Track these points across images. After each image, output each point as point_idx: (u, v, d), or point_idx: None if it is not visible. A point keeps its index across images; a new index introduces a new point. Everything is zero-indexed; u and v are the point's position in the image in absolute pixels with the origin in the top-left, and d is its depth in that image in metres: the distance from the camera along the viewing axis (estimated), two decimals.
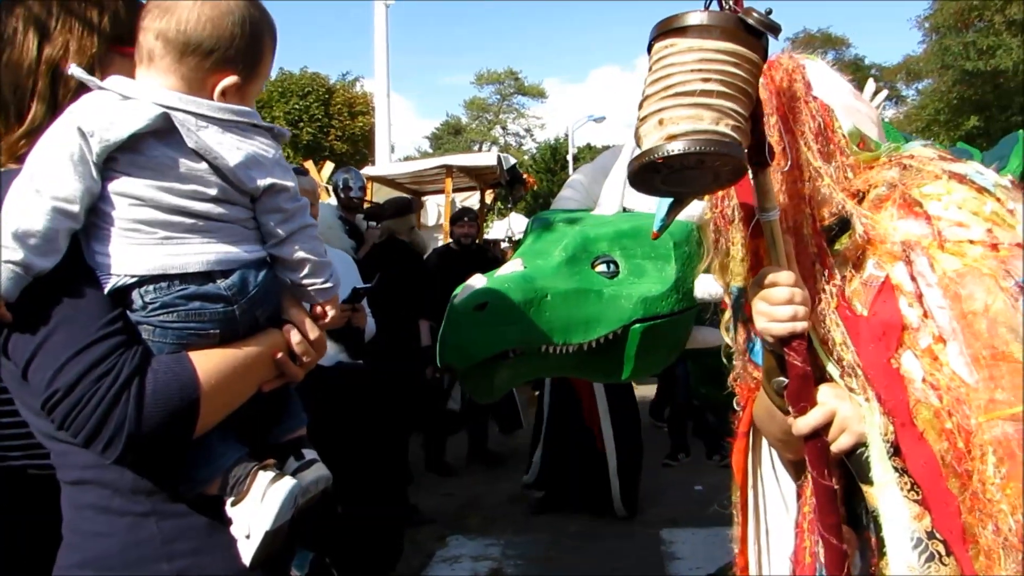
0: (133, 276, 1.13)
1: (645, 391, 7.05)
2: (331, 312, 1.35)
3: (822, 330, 1.26)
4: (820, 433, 1.23)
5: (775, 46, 1.19)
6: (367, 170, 8.43)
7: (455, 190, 9.08)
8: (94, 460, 1.14)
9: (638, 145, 1.13)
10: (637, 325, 1.97)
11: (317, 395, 2.85)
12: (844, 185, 1.31)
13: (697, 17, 1.08)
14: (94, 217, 1.12)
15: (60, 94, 1.21)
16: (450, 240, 6.15)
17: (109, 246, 1.12)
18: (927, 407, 1.15)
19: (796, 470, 1.41)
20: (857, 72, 41.95)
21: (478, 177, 8.12)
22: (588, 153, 41.95)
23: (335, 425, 2.84)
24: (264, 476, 1.20)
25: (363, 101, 26.45)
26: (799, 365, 1.22)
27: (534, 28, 76.06)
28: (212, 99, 1.20)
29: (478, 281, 1.85)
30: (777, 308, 1.21)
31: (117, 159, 1.12)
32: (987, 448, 1.09)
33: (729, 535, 1.53)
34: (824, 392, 1.24)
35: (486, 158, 7.59)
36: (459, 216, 5.99)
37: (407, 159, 34.51)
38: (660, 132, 1.07)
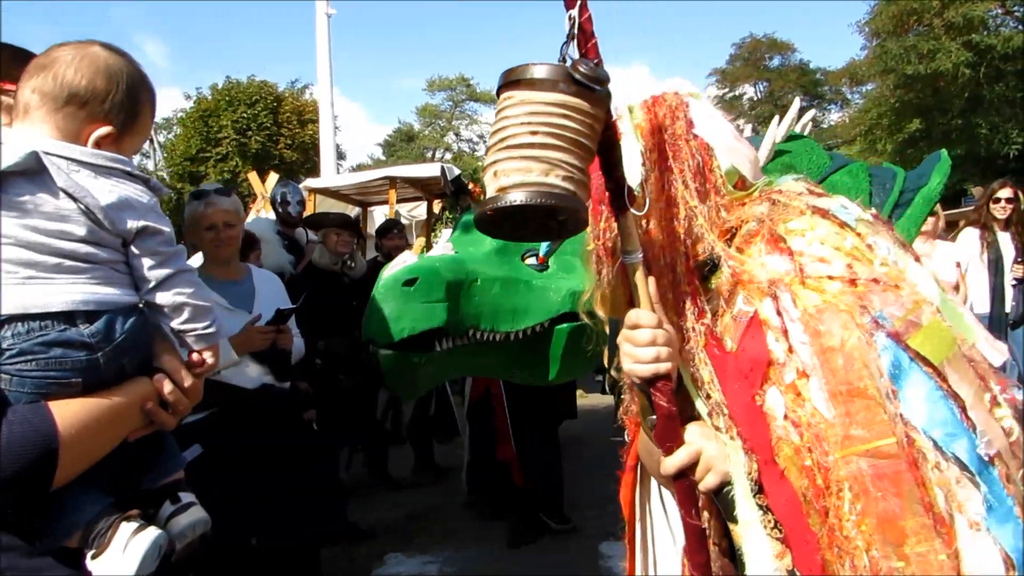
0: None
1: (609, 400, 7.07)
2: (209, 360, 1.34)
3: (692, 368, 1.27)
4: (687, 472, 1.24)
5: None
6: (311, 182, 8.34)
7: (402, 200, 9.05)
8: None
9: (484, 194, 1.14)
10: (563, 325, 1.97)
11: (240, 419, 2.83)
12: (718, 223, 1.32)
13: (530, 71, 1.09)
14: None
15: None
16: (377, 254, 6.10)
17: None
18: (788, 444, 1.16)
19: None
20: (803, 76, 42.85)
21: (424, 188, 8.09)
22: None
23: (257, 450, 2.81)
24: (127, 527, 1.19)
25: (312, 109, 26.17)
26: (664, 405, 1.23)
27: (487, 30, 76.09)
28: (87, 146, 1.20)
29: (409, 257, 1.83)
30: (640, 350, 1.22)
31: None
32: (843, 484, 1.10)
33: None
34: (691, 431, 1.25)
35: (429, 169, 7.55)
36: (387, 228, 5.94)
37: (359, 167, 34.31)
38: (495, 183, 1.08)
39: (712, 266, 1.32)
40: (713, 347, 1.26)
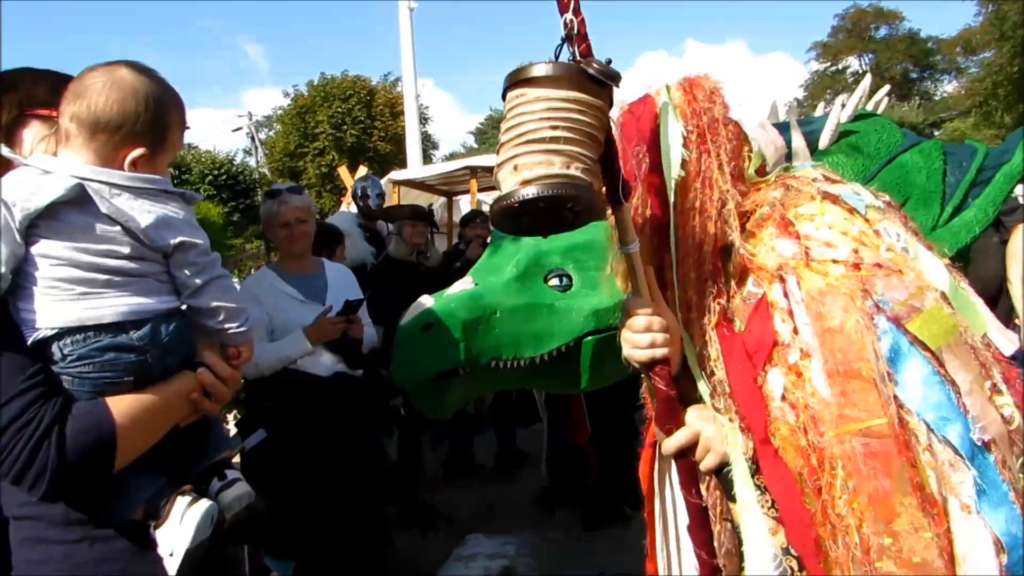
0: (53, 328, 1.26)
1: None
2: (245, 353, 1.48)
3: (701, 346, 1.32)
4: (687, 453, 1.30)
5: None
6: (395, 174, 8.55)
7: (486, 189, 9.17)
8: (27, 498, 1.27)
9: (498, 189, 1.20)
10: (589, 338, 2.00)
11: (314, 405, 2.99)
12: (738, 207, 1.35)
13: (544, 68, 1.15)
14: (18, 278, 1.26)
15: None
16: (457, 241, 6.23)
17: (32, 303, 1.25)
18: (784, 424, 1.20)
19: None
20: (912, 46, 40.76)
21: None
22: None
23: (330, 434, 2.96)
24: (182, 500, 1.35)
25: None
26: (663, 388, 1.29)
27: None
28: (123, 170, 1.32)
29: (426, 300, 1.91)
30: (637, 336, 1.28)
31: (38, 225, 1.25)
32: (836, 462, 1.13)
33: None
34: (691, 414, 1.31)
35: None
36: (470, 218, 6.04)
37: (451, 156, 34.73)
38: (515, 177, 1.14)
39: (730, 249, 1.36)
40: (724, 327, 1.31)
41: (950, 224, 2.74)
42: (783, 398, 1.21)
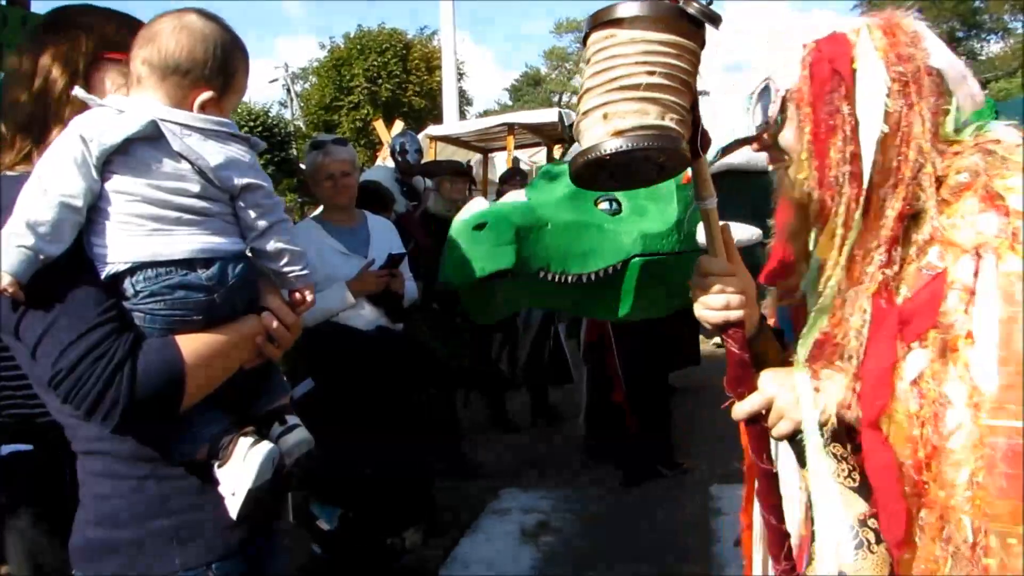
0: (126, 263, 1.28)
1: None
2: (309, 297, 1.51)
3: (848, 310, 1.22)
4: (759, 419, 1.27)
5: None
6: (431, 130, 8.53)
7: (523, 146, 9.12)
8: (98, 433, 1.31)
9: (578, 140, 1.15)
10: (636, 259, 1.98)
11: (356, 357, 3.03)
12: (934, 169, 1.20)
13: (638, 7, 1.07)
14: (93, 214, 1.27)
15: (67, 112, 1.37)
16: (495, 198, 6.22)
17: (106, 238, 1.28)
18: (903, 409, 1.12)
19: None
20: (960, 5, 39.56)
21: (542, 133, 8.12)
22: None
23: (372, 386, 3.00)
24: (245, 441, 1.37)
25: (440, 56, 26.53)
26: (736, 352, 1.26)
27: None
28: (193, 111, 1.34)
29: (480, 204, 1.90)
30: (710, 297, 1.25)
31: (113, 161, 1.27)
32: (969, 453, 1.06)
33: None
34: (765, 378, 1.27)
35: (547, 115, 7.58)
36: (510, 176, 6.02)
37: (485, 113, 34.49)
38: (605, 127, 1.07)
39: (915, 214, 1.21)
40: (881, 298, 1.20)
41: None
42: (914, 383, 1.12)
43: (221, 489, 1.36)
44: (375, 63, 27.29)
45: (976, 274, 1.11)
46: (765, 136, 1.28)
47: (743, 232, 2.05)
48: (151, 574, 1.34)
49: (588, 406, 5.24)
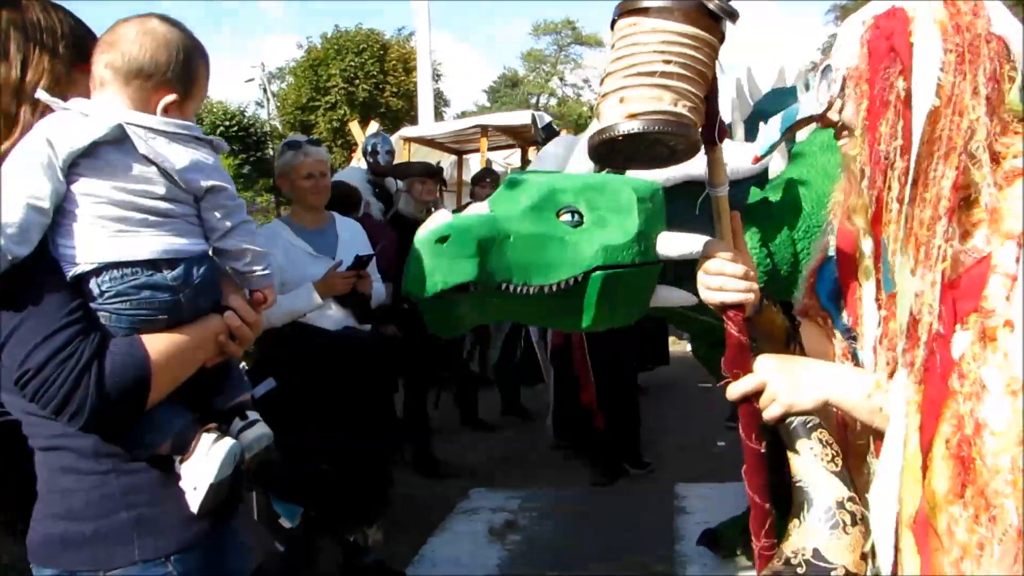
0: (91, 264, 1.32)
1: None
2: (270, 296, 1.56)
3: (911, 286, 1.21)
4: (752, 400, 1.33)
5: None
6: (406, 131, 8.55)
7: (496, 148, 9.16)
8: (61, 429, 1.34)
9: (598, 120, 1.21)
10: (597, 272, 2.02)
11: (322, 357, 3.07)
12: (991, 144, 1.16)
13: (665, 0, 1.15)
14: (59, 216, 1.31)
15: (33, 114, 1.39)
16: (470, 200, 6.26)
17: (72, 239, 1.31)
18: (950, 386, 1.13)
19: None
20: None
21: (516, 135, 8.16)
22: None
23: (336, 386, 3.04)
24: (208, 437, 1.41)
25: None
26: (734, 334, 1.33)
27: None
28: (156, 115, 1.38)
29: (443, 216, 1.92)
30: (709, 278, 1.33)
31: (79, 164, 1.30)
32: (1011, 440, 1.06)
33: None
34: (762, 361, 1.32)
35: (520, 117, 7.62)
36: (480, 177, 6.06)
37: (463, 115, 34.48)
38: (621, 109, 1.16)
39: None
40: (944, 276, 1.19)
41: None
42: (956, 362, 1.12)
43: (183, 483, 1.40)
44: (352, 63, 27.22)
45: (1019, 261, 1.10)
46: (828, 114, 1.31)
47: (674, 295, 2.17)
48: (111, 566, 1.37)
49: (555, 407, 5.31)
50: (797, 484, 1.26)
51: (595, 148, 1.21)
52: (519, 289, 1.96)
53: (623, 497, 4.53)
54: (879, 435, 1.27)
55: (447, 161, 9.53)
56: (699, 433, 5.64)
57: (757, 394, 1.32)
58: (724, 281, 1.32)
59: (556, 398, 5.30)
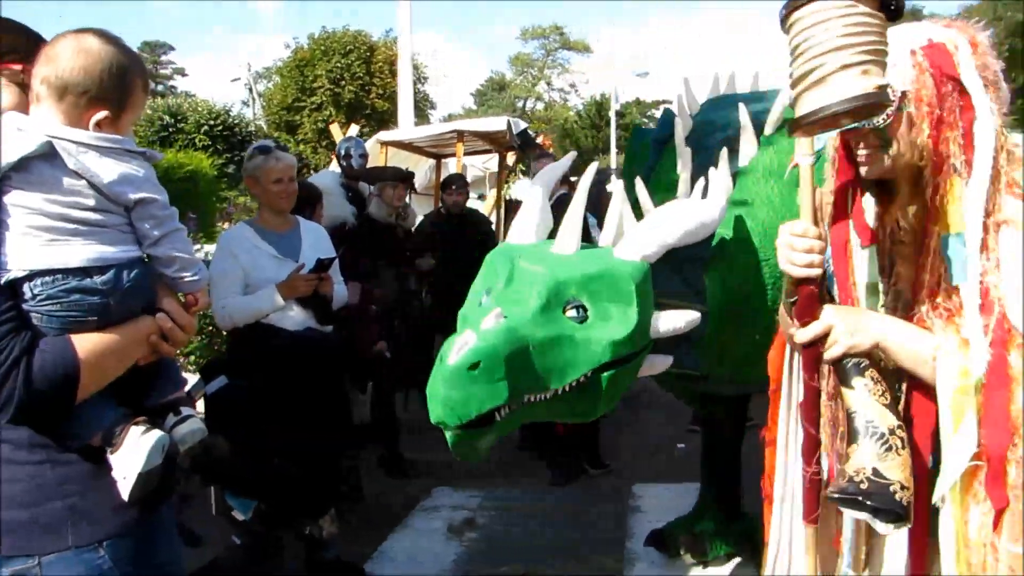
0: (24, 270, 1.41)
1: None
2: (201, 301, 1.66)
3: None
4: (816, 343, 1.53)
5: None
6: (383, 135, 8.63)
7: (474, 152, 9.26)
8: None
9: (826, 86, 1.33)
10: (605, 372, 2.07)
11: (283, 357, 3.16)
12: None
13: None
14: None
15: None
16: (439, 206, 6.38)
17: (5, 247, 1.41)
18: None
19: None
20: (912, 18, 40.53)
21: (493, 141, 8.26)
22: (636, 108, 41.47)
23: (296, 385, 3.14)
24: (136, 430, 1.51)
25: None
26: (810, 288, 1.53)
27: None
28: (89, 130, 1.47)
29: (470, 338, 1.89)
30: (799, 256, 1.51)
31: (12, 177, 1.40)
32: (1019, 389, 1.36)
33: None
34: (828, 310, 1.53)
35: (496, 123, 7.72)
36: (448, 183, 6.15)
37: (450, 117, 34.54)
38: (868, 81, 1.31)
39: None
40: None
41: None
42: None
43: (114, 473, 1.50)
44: (339, 64, 27.23)
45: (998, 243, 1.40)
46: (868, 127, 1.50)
47: (656, 363, 2.29)
48: (45, 551, 1.47)
49: None
50: (852, 414, 1.47)
51: (835, 112, 1.33)
52: (539, 397, 2.00)
53: (581, 497, 4.64)
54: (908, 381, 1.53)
55: (425, 165, 9.63)
56: (661, 436, 5.75)
57: (823, 338, 1.52)
58: (811, 259, 1.50)
59: None
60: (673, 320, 2.24)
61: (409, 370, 5.44)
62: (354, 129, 9.43)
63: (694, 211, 2.35)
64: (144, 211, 1.52)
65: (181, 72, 36.18)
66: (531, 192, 2.46)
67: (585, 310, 2.08)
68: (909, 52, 1.45)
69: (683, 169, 2.74)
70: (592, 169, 2.42)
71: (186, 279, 1.61)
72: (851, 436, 1.46)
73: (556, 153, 12.10)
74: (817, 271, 1.51)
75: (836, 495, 1.44)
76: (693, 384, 2.31)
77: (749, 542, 3.48)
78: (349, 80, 27.38)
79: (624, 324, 2.08)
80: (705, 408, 3.62)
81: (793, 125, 1.41)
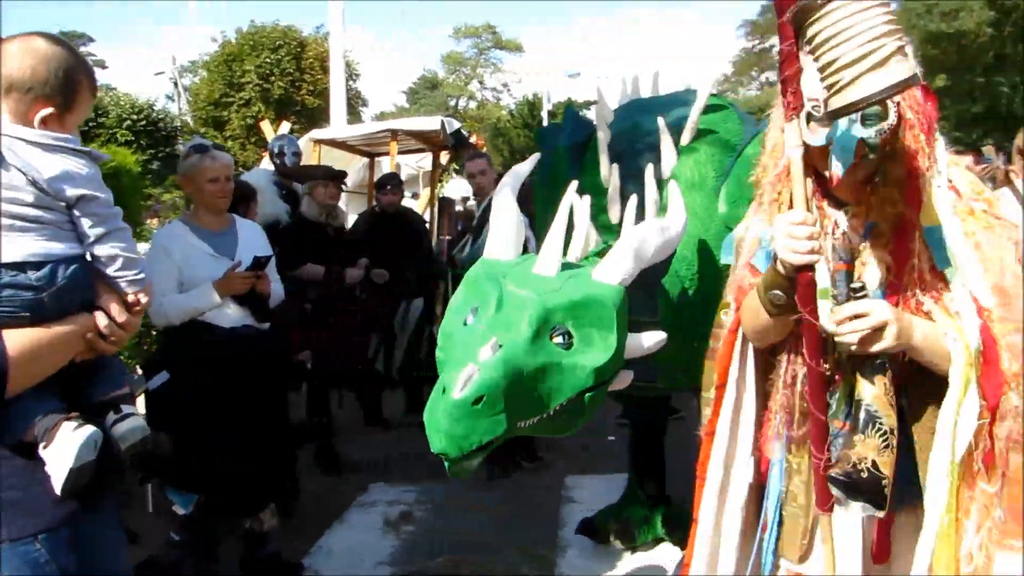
0: None
1: None
2: (143, 299, 1.67)
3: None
4: (814, 328, 1.61)
5: None
6: (315, 133, 8.58)
7: (408, 151, 9.27)
8: None
9: (879, 70, 1.43)
10: (588, 394, 2.14)
11: (219, 353, 3.19)
12: None
13: None
14: None
15: None
16: (374, 205, 6.42)
17: None
18: None
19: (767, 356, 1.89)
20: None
21: (426, 140, 8.29)
22: (568, 107, 41.79)
23: (232, 380, 3.17)
24: (68, 425, 1.53)
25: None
26: (809, 275, 1.60)
27: None
28: (34, 127, 1.50)
29: (472, 371, 1.93)
30: (801, 243, 1.57)
31: None
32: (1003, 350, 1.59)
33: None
34: (882, 306, 1.59)
35: (429, 123, 7.74)
36: (383, 183, 6.19)
37: (381, 115, 34.30)
38: (908, 64, 1.45)
39: None
40: None
41: None
42: None
43: (47, 468, 1.52)
44: (268, 60, 26.78)
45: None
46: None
47: (622, 379, 2.33)
48: None
49: None
50: (865, 406, 1.60)
51: (897, 85, 1.45)
52: (529, 423, 2.06)
53: (515, 489, 4.75)
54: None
55: (359, 163, 9.60)
56: (591, 430, 5.89)
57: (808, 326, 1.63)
58: (813, 245, 1.56)
59: None
60: (646, 341, 2.33)
61: (344, 370, 5.48)
62: (285, 127, 9.35)
63: (664, 231, 2.42)
64: (85, 208, 1.55)
65: (101, 65, 34.94)
66: (501, 202, 2.48)
67: (570, 336, 2.14)
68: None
69: (611, 184, 2.84)
70: (572, 190, 2.48)
71: (128, 278, 1.63)
72: (857, 425, 1.61)
73: (489, 152, 12.17)
74: (818, 257, 1.58)
75: (841, 478, 1.59)
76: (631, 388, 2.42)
77: (675, 527, 3.65)
78: (279, 76, 26.95)
79: (605, 350, 2.15)
80: (631, 405, 3.80)
81: (849, 106, 1.49)
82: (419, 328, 6.27)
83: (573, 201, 2.46)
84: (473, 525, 4.19)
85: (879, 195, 1.67)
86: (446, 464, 2.01)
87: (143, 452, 1.69)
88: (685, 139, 3.00)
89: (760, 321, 1.77)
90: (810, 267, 1.59)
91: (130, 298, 1.66)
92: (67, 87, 1.54)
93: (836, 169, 1.65)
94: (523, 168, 2.81)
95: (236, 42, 28.37)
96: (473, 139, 9.15)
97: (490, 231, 2.47)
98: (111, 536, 1.72)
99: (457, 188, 11.27)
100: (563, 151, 3.30)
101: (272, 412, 3.37)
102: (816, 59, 1.52)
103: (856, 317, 1.57)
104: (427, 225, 7.32)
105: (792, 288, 1.64)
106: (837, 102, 1.49)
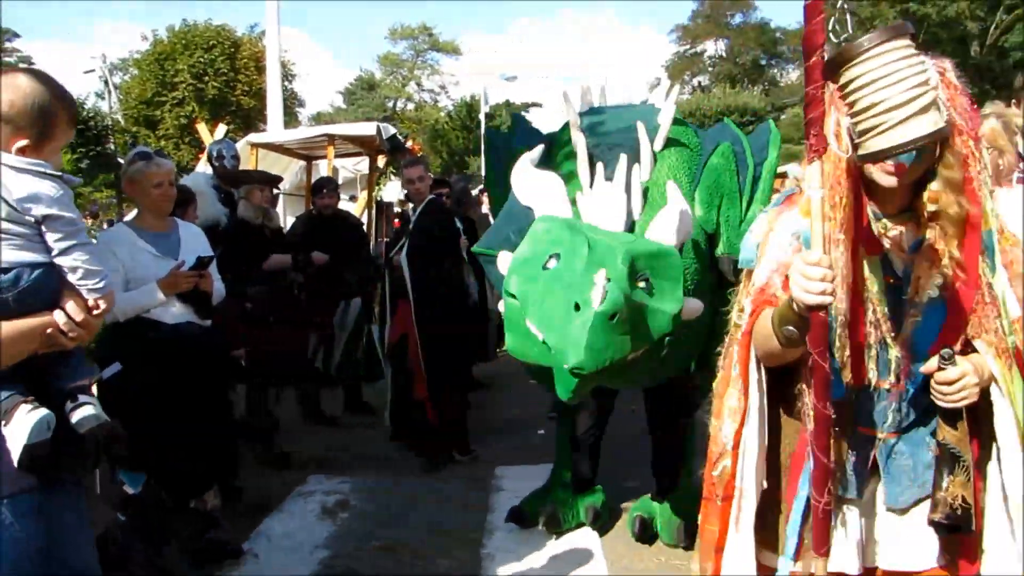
0: None
1: None
2: (103, 305, 1.90)
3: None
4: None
5: None
6: (252, 137, 8.69)
7: (346, 155, 9.43)
8: None
9: (919, 118, 1.48)
10: (666, 339, 2.29)
11: (163, 347, 3.38)
12: None
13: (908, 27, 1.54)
14: None
15: None
16: (311, 208, 6.61)
17: None
18: None
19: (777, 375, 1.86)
20: (762, 35, 43.04)
21: (363, 145, 8.48)
22: (505, 110, 42.13)
23: (176, 371, 3.38)
24: (24, 407, 1.76)
25: None
26: (822, 316, 1.58)
27: None
28: (11, 153, 1.73)
29: (607, 285, 2.03)
30: (815, 284, 1.52)
31: None
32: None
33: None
34: (965, 364, 1.68)
35: (366, 128, 7.94)
36: (319, 187, 6.38)
37: (318, 115, 34.07)
38: (941, 116, 1.52)
39: None
40: None
41: (748, 217, 3.23)
42: None
43: (7, 443, 1.74)
44: (201, 60, 26.50)
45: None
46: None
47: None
48: None
49: (392, 402, 5.71)
50: (955, 453, 1.70)
51: (929, 138, 1.51)
52: (634, 356, 2.17)
53: (449, 480, 5.00)
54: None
55: (296, 166, 9.73)
56: (523, 422, 6.19)
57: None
58: (824, 287, 1.51)
59: (393, 394, 5.70)
60: (694, 305, 2.47)
61: (283, 368, 5.65)
62: (222, 129, 9.42)
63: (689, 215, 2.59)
64: (52, 225, 1.78)
65: (27, 61, 33.98)
66: (533, 174, 2.67)
67: (650, 284, 2.26)
68: (938, 73, 1.60)
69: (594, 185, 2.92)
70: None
71: (89, 286, 1.85)
72: (949, 466, 1.70)
73: (428, 153, 12.31)
74: (831, 299, 1.53)
75: (944, 522, 1.69)
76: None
77: (596, 516, 3.97)
78: (213, 76, 26.69)
79: (676, 301, 2.29)
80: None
81: (894, 148, 1.52)
82: (357, 328, 6.47)
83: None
84: (407, 512, 4.43)
85: (941, 200, 1.66)
86: (571, 387, 2.06)
87: (100, 437, 1.89)
88: (657, 146, 3.21)
89: (771, 346, 1.74)
90: (823, 307, 1.56)
91: (90, 302, 1.87)
92: (43, 120, 1.75)
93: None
94: (533, 155, 3.01)
95: (168, 40, 27.97)
96: (409, 144, 9.38)
97: (537, 197, 2.60)
98: (71, 519, 1.92)
99: (394, 191, 11.48)
100: (520, 154, 3.39)
101: (215, 404, 3.58)
102: (852, 102, 1.55)
103: (949, 383, 1.67)
104: (364, 227, 7.51)
105: (805, 326, 1.60)
106: (881, 143, 1.52)
